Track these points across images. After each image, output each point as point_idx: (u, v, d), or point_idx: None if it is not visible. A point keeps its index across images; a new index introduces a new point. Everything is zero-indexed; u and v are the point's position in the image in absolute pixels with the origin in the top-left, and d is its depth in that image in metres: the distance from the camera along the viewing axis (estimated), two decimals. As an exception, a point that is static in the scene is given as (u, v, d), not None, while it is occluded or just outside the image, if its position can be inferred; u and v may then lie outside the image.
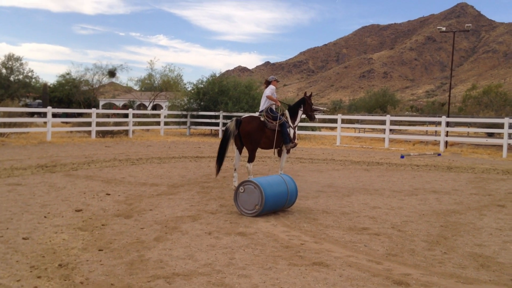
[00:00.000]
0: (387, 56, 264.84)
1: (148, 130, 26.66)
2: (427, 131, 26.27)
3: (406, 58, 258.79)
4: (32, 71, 42.38)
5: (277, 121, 9.28)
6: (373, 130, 27.58)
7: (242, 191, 6.98)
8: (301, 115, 10.11)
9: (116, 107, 52.05)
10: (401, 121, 23.77)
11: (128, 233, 5.68)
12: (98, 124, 21.08)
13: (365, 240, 5.65)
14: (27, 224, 5.93)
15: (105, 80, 44.18)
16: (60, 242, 5.22)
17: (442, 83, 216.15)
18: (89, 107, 40.45)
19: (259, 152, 10.31)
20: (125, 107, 51.84)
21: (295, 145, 9.71)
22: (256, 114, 9.56)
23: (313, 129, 24.37)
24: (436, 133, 19.98)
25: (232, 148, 9.20)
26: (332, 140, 23.10)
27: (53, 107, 47.72)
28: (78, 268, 4.39)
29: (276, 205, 7.12)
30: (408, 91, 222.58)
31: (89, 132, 20.97)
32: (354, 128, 27.17)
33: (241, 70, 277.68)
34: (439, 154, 17.51)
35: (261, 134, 8.97)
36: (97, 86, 43.56)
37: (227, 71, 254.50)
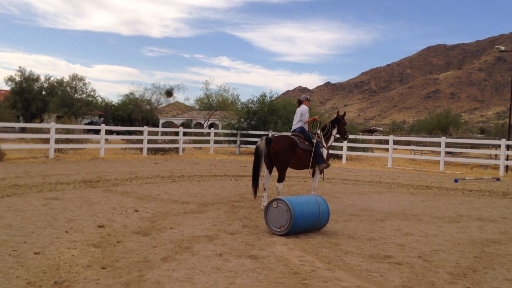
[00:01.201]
0: (454, 76, 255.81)
1: (200, 148, 27.06)
2: (490, 154, 24.75)
3: (474, 79, 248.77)
4: (94, 90, 44.79)
5: (310, 141, 9.05)
6: (432, 152, 26.42)
7: (275, 206, 6.86)
8: (335, 134, 9.81)
9: (175, 126, 53.51)
10: (457, 143, 22.57)
11: (139, 251, 5.62)
12: (149, 141, 21.61)
13: (383, 270, 5.25)
14: (45, 239, 6.02)
15: (163, 99, 45.54)
16: (68, 258, 5.23)
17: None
18: (147, 125, 41.85)
19: (294, 172, 10.11)
20: (183, 125, 53.20)
21: (328, 165, 9.39)
22: (289, 133, 9.37)
23: (364, 150, 23.72)
24: (496, 157, 18.74)
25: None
26: (384, 162, 22.31)
27: (116, 125, 50.00)
28: (73, 286, 4.35)
29: (302, 230, 6.96)
30: (477, 112, 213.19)
31: (141, 149, 21.52)
32: (410, 149, 26.13)
33: (301, 90, 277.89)
34: (498, 179, 16.39)
35: (292, 153, 8.73)
36: (155, 105, 44.96)
37: (287, 91, 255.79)
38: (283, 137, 8.91)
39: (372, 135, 38.53)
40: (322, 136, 9.50)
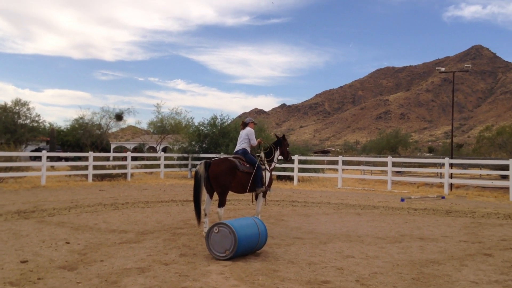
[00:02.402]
0: (403, 97, 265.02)
1: (152, 173, 26.42)
2: (438, 173, 25.41)
3: (422, 100, 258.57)
4: (39, 115, 43.10)
5: (252, 163, 8.88)
6: (382, 172, 26.88)
7: (216, 231, 6.77)
8: (278, 156, 9.69)
9: (127, 150, 52.29)
10: (403, 162, 23.06)
11: (59, 288, 5.20)
12: (95, 167, 20.89)
13: (319, 297, 5.06)
14: (-43, 277, 5.51)
15: (112, 123, 44.50)
16: (-23, 299, 4.77)
17: (461, 124, 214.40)
18: (97, 150, 40.70)
19: (244, 195, 9.91)
20: (135, 150, 52.09)
21: (268, 189, 9.22)
22: (231, 156, 9.17)
23: (316, 171, 23.83)
24: (441, 175, 19.22)
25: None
26: (335, 183, 22.44)
27: (64, 151, 48.37)
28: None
29: (246, 251, 6.89)
30: (427, 132, 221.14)
31: (86, 176, 20.74)
32: (359, 169, 26.49)
33: (258, 112, 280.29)
34: (443, 197, 16.74)
35: (232, 177, 8.49)
36: (105, 130, 43.88)
37: (244, 113, 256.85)
38: (223, 160, 8.68)
39: (325, 155, 38.95)
40: (265, 158, 9.36)
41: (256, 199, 9.37)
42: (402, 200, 15.54)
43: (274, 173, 23.47)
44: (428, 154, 53.45)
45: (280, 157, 9.90)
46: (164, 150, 45.46)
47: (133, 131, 68.73)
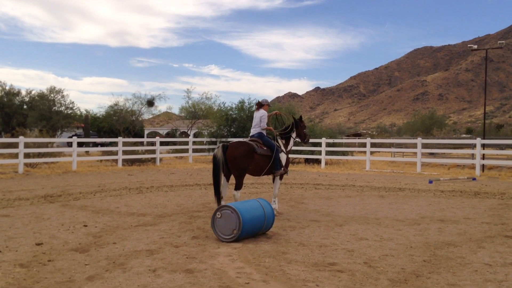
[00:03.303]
0: (441, 78, 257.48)
1: (181, 157, 26.73)
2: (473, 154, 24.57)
3: (462, 80, 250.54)
4: (73, 102, 44.14)
5: (269, 146, 8.82)
6: (413, 154, 26.29)
7: (219, 216, 6.85)
8: (294, 139, 9.60)
9: (160, 136, 53.07)
10: (433, 144, 22.46)
11: (67, 270, 5.31)
12: (125, 152, 21.28)
13: (322, 279, 4.99)
14: (-27, 259, 5.70)
15: (144, 109, 45.15)
16: (-14, 279, 4.92)
17: (502, 103, 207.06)
18: (130, 136, 41.39)
19: (265, 178, 9.90)
20: (168, 135, 52.81)
21: (286, 172, 9.14)
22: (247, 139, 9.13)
23: (344, 153, 23.52)
24: (473, 156, 18.58)
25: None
26: (363, 165, 22.09)
27: (100, 137, 49.51)
28: (-25, 310, 4.05)
29: (254, 229, 6.89)
30: (466, 113, 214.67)
31: (116, 161, 21.16)
32: (391, 152, 25.99)
33: (291, 96, 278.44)
34: (474, 179, 16.22)
35: (249, 160, 8.46)
36: (138, 116, 44.62)
37: (277, 97, 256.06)
38: (240, 143, 8.65)
39: (357, 138, 38.38)
40: (280, 141, 9.29)
41: (274, 181, 9.32)
42: (430, 182, 15.16)
43: (301, 156, 23.41)
44: (465, 135, 51.92)
45: (297, 139, 9.80)
46: (196, 135, 45.92)
47: (168, 116, 69.54)
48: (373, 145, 24.65)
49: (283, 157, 9.11)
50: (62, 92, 41.88)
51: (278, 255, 6.01)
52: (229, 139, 25.51)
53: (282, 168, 8.96)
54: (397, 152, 25.06)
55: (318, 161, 22.83)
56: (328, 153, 22.25)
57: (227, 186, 8.78)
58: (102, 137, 50.17)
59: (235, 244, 6.54)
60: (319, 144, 21.95)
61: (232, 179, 8.79)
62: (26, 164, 18.61)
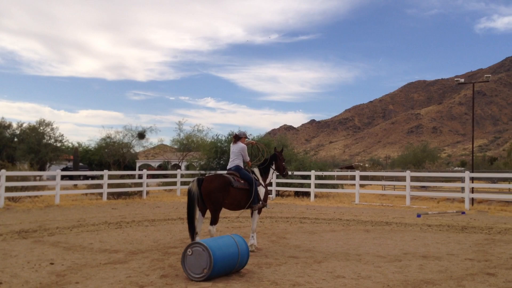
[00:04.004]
0: (435, 111, 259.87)
1: (171, 190, 26.35)
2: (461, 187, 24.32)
3: (455, 113, 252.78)
4: (62, 135, 43.98)
5: (246, 179, 8.58)
6: (403, 187, 26.04)
7: (190, 253, 6.55)
8: (273, 172, 9.38)
9: (152, 168, 52.68)
10: (426, 177, 22.28)
11: (17, 312, 4.97)
12: (110, 185, 20.92)
13: (288, 322, 4.66)
14: None
15: (135, 142, 44.97)
16: None
17: (496, 137, 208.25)
18: (120, 168, 41.06)
19: (247, 212, 9.62)
20: (160, 167, 52.42)
21: (264, 205, 8.86)
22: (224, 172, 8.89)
23: (334, 186, 23.25)
24: (463, 190, 18.32)
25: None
26: (353, 198, 21.78)
27: (91, 170, 49.08)
28: None
29: (226, 268, 6.58)
30: (460, 146, 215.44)
31: (102, 194, 20.78)
32: (381, 185, 25.74)
33: (287, 128, 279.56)
34: (463, 212, 15.94)
35: (225, 193, 8.19)
36: (128, 148, 44.43)
37: (273, 130, 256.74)
38: (216, 177, 8.40)
39: (349, 171, 38.13)
40: (259, 174, 9.06)
41: (252, 216, 9.03)
42: (419, 216, 14.87)
43: (291, 189, 23.11)
44: (458, 168, 51.80)
45: (276, 172, 9.59)
46: (187, 167, 45.60)
47: (163, 149, 69.41)
48: (363, 178, 24.45)
49: (261, 190, 8.87)
50: (51, 125, 41.74)
51: (247, 295, 5.68)
52: (219, 172, 25.21)
53: (260, 202, 8.69)
54: (387, 185, 24.80)
55: (308, 194, 22.52)
56: (318, 186, 21.99)
57: (202, 221, 8.48)
58: (93, 169, 49.73)
59: (204, 284, 6.22)
60: (308, 177, 21.70)
61: (208, 214, 8.50)
62: (8, 198, 18.21)
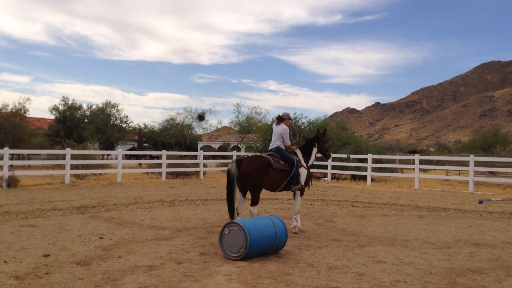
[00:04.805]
0: (510, 93, 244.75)
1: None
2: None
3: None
4: (127, 116, 45.92)
5: (287, 160, 8.47)
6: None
7: (227, 232, 6.59)
8: (315, 153, 9.19)
9: (212, 149, 53.67)
10: (486, 162, 21.06)
11: (57, 284, 5.20)
12: (169, 165, 21.53)
13: (315, 305, 4.57)
14: (-25, 268, 5.75)
15: (195, 123, 45.93)
16: (-25, 289, 4.91)
17: None
18: (181, 149, 42.12)
19: (280, 194, 9.56)
20: (220, 149, 53.30)
21: (302, 187, 8.70)
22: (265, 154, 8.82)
23: (392, 170, 22.56)
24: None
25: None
26: (412, 183, 21.03)
27: (157, 150, 50.78)
28: None
29: (263, 248, 6.56)
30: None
31: (161, 174, 21.44)
32: (445, 170, 24.63)
33: (350, 111, 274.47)
34: (530, 200, 14.95)
35: (264, 174, 8.13)
36: (189, 130, 45.53)
37: (336, 113, 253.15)
38: (255, 157, 8.35)
39: (408, 154, 36.92)
40: (301, 155, 8.91)
41: (294, 197, 8.95)
42: (480, 202, 14.11)
43: (347, 172, 22.70)
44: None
45: (318, 154, 9.40)
46: (247, 149, 46.04)
47: (227, 131, 70.59)
48: (426, 162, 23.53)
49: (303, 172, 8.72)
50: (117, 107, 43.57)
51: (280, 276, 5.63)
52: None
53: (299, 184, 8.56)
54: (451, 170, 23.71)
55: (364, 178, 22.02)
56: (375, 169, 21.42)
57: (243, 202, 8.49)
58: (158, 150, 51.43)
59: (240, 263, 6.23)
60: (365, 160, 21.20)
61: (249, 194, 8.49)
62: (74, 175, 19.21)
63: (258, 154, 8.88)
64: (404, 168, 24.02)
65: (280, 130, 8.79)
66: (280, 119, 8.94)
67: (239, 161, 8.16)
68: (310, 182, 9.10)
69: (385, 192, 17.71)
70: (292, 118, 9.53)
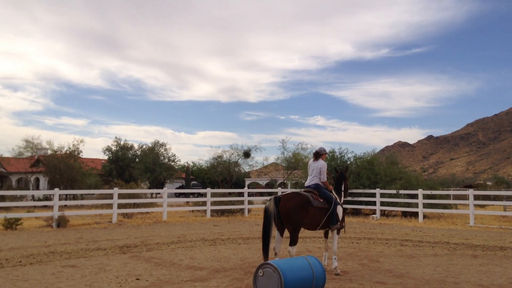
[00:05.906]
0: None
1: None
2: None
3: None
4: (174, 155, 46.88)
5: (325, 198, 8.23)
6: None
7: (261, 274, 6.37)
8: (342, 190, 8.98)
9: (259, 186, 53.57)
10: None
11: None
12: (213, 203, 21.54)
13: None
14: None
15: (241, 160, 46.17)
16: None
17: None
18: (228, 186, 42.24)
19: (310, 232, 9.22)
20: (267, 186, 53.10)
21: (342, 226, 8.37)
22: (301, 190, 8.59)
23: (446, 206, 21.52)
24: None
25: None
26: (467, 220, 19.91)
27: (204, 187, 51.28)
28: None
29: None
30: None
31: (205, 211, 21.45)
32: (502, 205, 23.28)
33: (402, 145, 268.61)
34: None
35: (304, 212, 7.86)
36: (234, 166, 45.80)
37: (386, 147, 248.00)
38: (294, 195, 8.11)
39: (464, 190, 35.28)
40: (335, 193, 8.65)
41: (326, 236, 8.68)
42: (542, 240, 13.10)
43: (397, 209, 21.87)
44: None
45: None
46: (294, 185, 45.63)
47: (275, 167, 70.71)
48: (483, 197, 22.38)
49: (339, 210, 8.43)
50: (165, 146, 44.60)
51: (315, 322, 5.31)
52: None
53: (339, 223, 8.24)
54: (510, 205, 22.39)
55: (416, 214, 21.11)
56: (427, 205, 20.50)
57: (281, 241, 8.22)
58: (207, 187, 51.92)
59: (274, 307, 5.95)
60: (416, 196, 20.37)
61: (287, 233, 8.22)
62: (122, 214, 19.53)
63: (296, 191, 8.66)
64: (459, 204, 22.89)
65: (319, 166, 8.56)
66: (317, 155, 8.72)
67: (278, 199, 7.95)
68: (344, 223, 8.76)
69: (437, 230, 16.83)
70: (329, 153, 9.29)
